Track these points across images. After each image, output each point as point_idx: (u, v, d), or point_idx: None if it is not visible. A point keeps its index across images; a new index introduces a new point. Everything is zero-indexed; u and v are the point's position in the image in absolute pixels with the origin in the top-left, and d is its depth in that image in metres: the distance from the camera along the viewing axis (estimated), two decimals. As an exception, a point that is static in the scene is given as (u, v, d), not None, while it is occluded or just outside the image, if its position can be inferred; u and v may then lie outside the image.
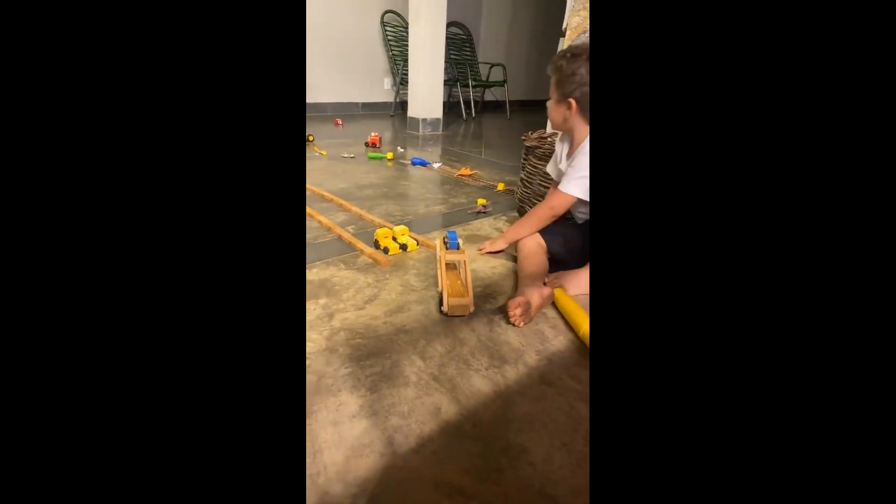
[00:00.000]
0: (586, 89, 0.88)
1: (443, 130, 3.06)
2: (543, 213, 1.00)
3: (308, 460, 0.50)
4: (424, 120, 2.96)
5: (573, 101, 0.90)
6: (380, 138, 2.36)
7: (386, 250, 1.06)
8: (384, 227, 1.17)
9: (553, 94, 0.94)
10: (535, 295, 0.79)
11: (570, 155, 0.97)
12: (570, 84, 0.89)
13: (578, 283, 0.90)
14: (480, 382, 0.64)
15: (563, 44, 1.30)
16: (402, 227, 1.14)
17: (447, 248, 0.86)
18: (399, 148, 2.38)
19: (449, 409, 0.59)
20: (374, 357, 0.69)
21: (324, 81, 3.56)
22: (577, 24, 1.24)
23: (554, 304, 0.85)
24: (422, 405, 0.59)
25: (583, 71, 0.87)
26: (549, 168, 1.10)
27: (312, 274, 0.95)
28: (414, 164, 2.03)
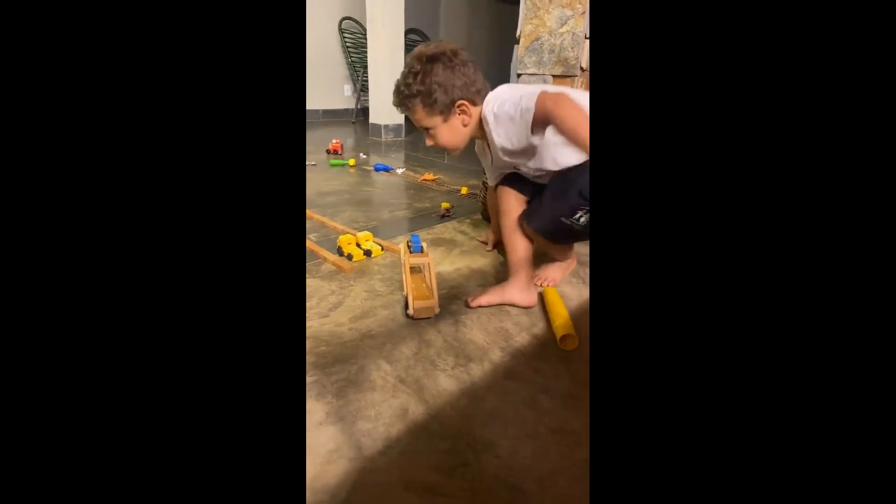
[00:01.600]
0: (459, 82, 0.77)
1: (406, 136, 3.07)
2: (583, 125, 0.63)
3: (274, 471, 0.50)
4: (387, 126, 2.96)
5: (464, 102, 0.78)
6: (341, 145, 2.33)
7: (350, 257, 1.05)
8: (347, 233, 1.16)
9: (429, 119, 0.79)
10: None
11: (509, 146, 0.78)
12: (444, 92, 0.77)
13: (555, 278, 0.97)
14: (447, 382, 0.65)
15: (518, 51, 1.34)
16: (366, 232, 1.14)
17: (411, 252, 0.87)
18: (362, 154, 2.37)
19: (416, 410, 0.59)
20: (339, 364, 0.68)
21: (282, 88, 3.48)
22: (529, 31, 1.29)
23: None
24: (389, 408, 0.60)
25: (440, 71, 0.76)
26: (490, 175, 1.00)
27: (274, 284, 0.93)
28: (377, 169, 2.03)
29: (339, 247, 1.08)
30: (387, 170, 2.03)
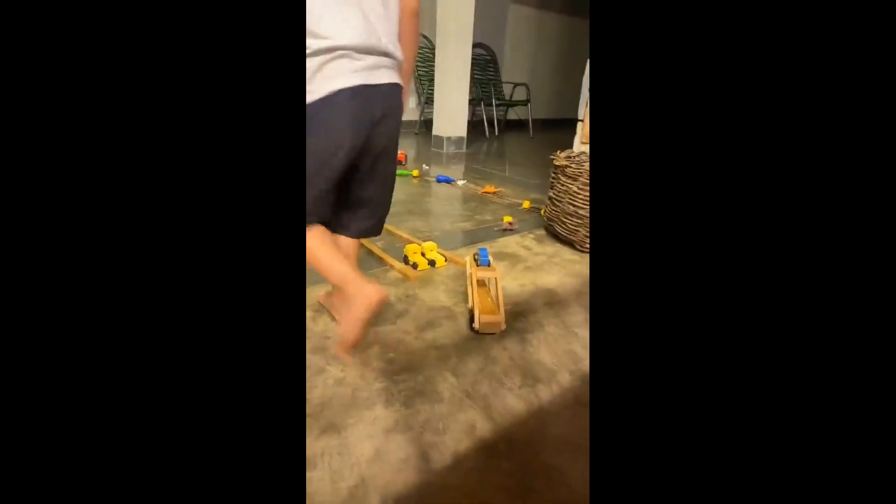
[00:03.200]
0: None
1: (466, 148, 3.10)
2: None
3: (346, 472, 0.51)
4: (449, 138, 3.01)
5: None
6: (405, 156, 2.41)
7: (415, 266, 1.07)
8: (412, 242, 1.19)
9: None
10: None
11: None
12: None
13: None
14: (514, 401, 0.64)
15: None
16: (431, 243, 1.15)
17: (478, 265, 0.87)
18: (424, 165, 2.43)
19: (483, 427, 0.59)
20: (406, 372, 0.69)
21: (351, 100, 3.67)
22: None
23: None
24: (456, 422, 0.59)
25: None
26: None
27: (344, 288, 0.97)
28: (439, 181, 2.07)
29: (406, 255, 1.10)
30: (448, 181, 2.06)
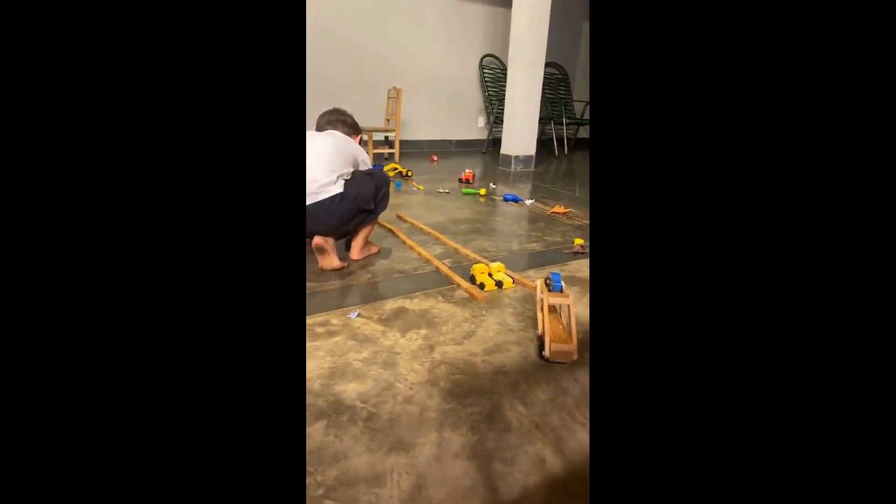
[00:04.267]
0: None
1: (534, 167, 3.07)
2: None
3: (413, 493, 0.51)
4: (517, 157, 3.00)
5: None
6: (473, 174, 2.43)
7: (482, 286, 1.07)
8: (480, 262, 1.19)
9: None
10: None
11: None
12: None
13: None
14: (587, 438, 0.60)
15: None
16: (499, 263, 1.14)
17: (550, 291, 0.85)
18: (491, 184, 2.44)
19: (554, 463, 0.56)
20: (473, 395, 0.69)
21: (423, 120, 3.81)
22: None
23: None
24: (525, 454, 0.57)
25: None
26: None
27: (414, 304, 0.99)
28: (506, 200, 2.06)
29: (473, 275, 1.10)
30: (516, 200, 2.05)
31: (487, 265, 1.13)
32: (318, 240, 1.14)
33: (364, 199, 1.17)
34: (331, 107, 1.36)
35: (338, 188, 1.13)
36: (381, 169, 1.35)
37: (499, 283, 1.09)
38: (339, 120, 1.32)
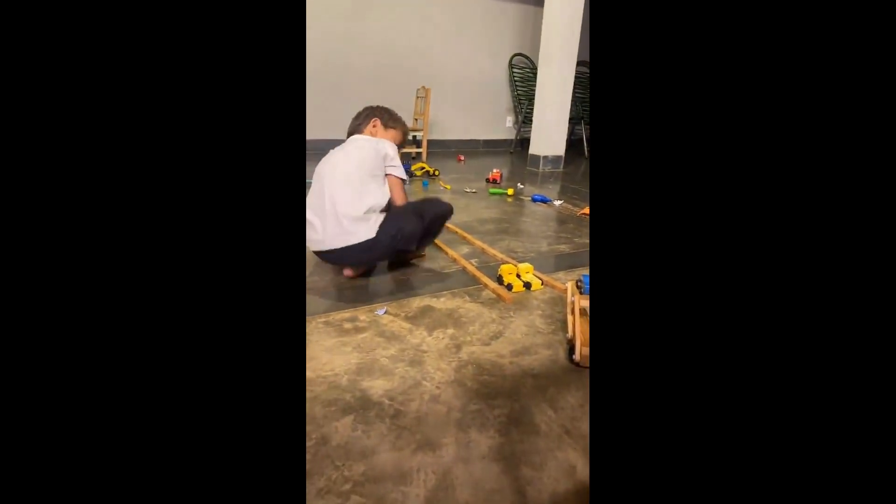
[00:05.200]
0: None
1: (563, 168, 3.02)
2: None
3: (440, 493, 0.50)
4: (545, 157, 2.96)
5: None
6: (501, 174, 2.41)
7: (509, 287, 1.05)
8: (508, 262, 1.17)
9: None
10: None
11: None
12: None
13: None
14: (619, 447, 0.58)
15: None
16: (527, 264, 1.13)
17: (581, 293, 0.82)
18: (519, 184, 2.41)
19: (584, 472, 0.54)
20: (501, 397, 0.67)
21: (451, 120, 3.81)
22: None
23: None
24: (554, 459, 0.56)
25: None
26: None
27: (441, 303, 0.99)
28: (535, 200, 2.03)
29: (500, 275, 1.09)
30: (544, 201, 2.01)
31: (515, 266, 1.11)
32: (348, 272, 1.08)
33: (406, 239, 1.01)
34: (361, 107, 1.26)
35: (369, 231, 0.98)
36: (439, 200, 1.19)
37: (527, 285, 1.07)
38: (365, 115, 1.22)
